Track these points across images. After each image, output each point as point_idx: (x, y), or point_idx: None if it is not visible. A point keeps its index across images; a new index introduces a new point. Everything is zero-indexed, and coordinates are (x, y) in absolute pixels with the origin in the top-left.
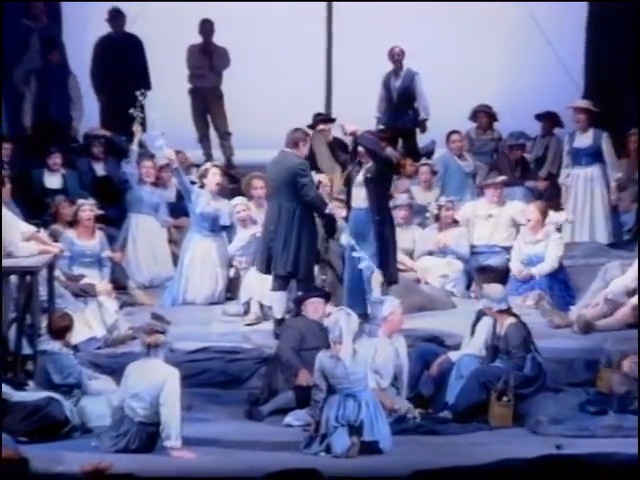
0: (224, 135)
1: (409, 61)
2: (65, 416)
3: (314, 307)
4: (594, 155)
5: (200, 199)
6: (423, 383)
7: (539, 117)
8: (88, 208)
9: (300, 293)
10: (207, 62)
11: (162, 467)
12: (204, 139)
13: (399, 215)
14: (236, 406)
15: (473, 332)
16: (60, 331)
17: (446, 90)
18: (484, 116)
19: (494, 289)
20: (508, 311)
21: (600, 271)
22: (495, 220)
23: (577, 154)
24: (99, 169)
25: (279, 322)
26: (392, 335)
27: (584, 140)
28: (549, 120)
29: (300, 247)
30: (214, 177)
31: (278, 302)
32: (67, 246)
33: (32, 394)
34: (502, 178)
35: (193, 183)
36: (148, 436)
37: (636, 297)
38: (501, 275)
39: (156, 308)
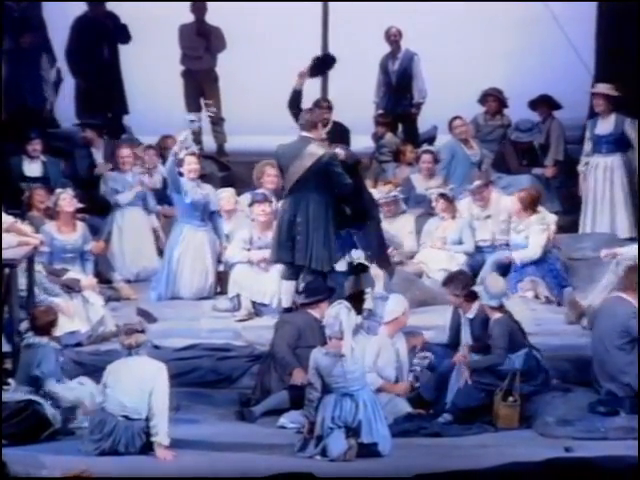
0: (217, 121)
1: (411, 43)
2: (46, 419)
3: (322, 306)
4: (615, 143)
5: (188, 188)
6: (425, 386)
7: (533, 104)
8: (68, 197)
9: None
10: (203, 43)
11: (150, 471)
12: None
13: (384, 210)
14: (227, 406)
15: (457, 334)
16: (45, 326)
17: (449, 73)
18: (494, 100)
19: (495, 281)
20: (500, 309)
21: (612, 264)
22: (494, 220)
23: (598, 141)
24: (99, 156)
25: (287, 311)
26: (394, 335)
27: (605, 127)
28: (544, 105)
29: (335, 239)
30: (190, 165)
31: (288, 291)
32: (47, 241)
33: (13, 395)
34: (477, 183)
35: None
36: (133, 433)
37: None
38: (471, 278)
39: (142, 303)
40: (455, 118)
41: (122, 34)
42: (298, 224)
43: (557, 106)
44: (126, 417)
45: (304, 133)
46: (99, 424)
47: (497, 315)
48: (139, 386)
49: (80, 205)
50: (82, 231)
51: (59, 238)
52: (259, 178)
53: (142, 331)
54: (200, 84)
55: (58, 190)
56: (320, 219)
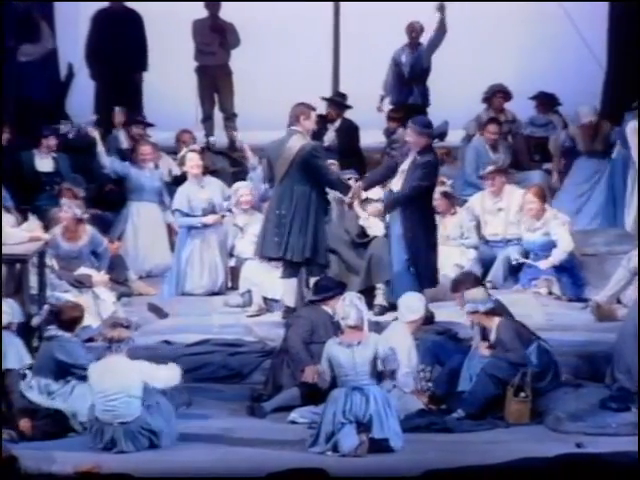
0: (230, 116)
1: (422, 38)
2: (71, 429)
3: (334, 301)
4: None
5: (191, 202)
6: (436, 381)
7: (535, 99)
8: (66, 208)
9: (313, 279)
10: (217, 39)
11: (161, 466)
12: (208, 120)
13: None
14: (238, 402)
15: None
16: (71, 322)
17: (461, 68)
18: (502, 97)
19: (476, 292)
20: (494, 312)
21: (623, 259)
22: (506, 214)
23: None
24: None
25: (292, 311)
26: (416, 333)
27: None
28: (543, 102)
29: (317, 232)
30: (192, 162)
31: (290, 290)
32: (53, 244)
33: (40, 398)
34: (491, 168)
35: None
36: (134, 432)
37: None
38: (477, 278)
39: (153, 298)
40: (491, 121)
41: (139, 34)
42: (283, 217)
43: (556, 102)
44: (121, 422)
45: (291, 127)
46: (97, 433)
47: (497, 320)
48: (126, 393)
49: (82, 215)
50: (89, 238)
51: (63, 245)
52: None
53: (127, 327)
54: (215, 80)
55: (63, 200)
56: (302, 210)
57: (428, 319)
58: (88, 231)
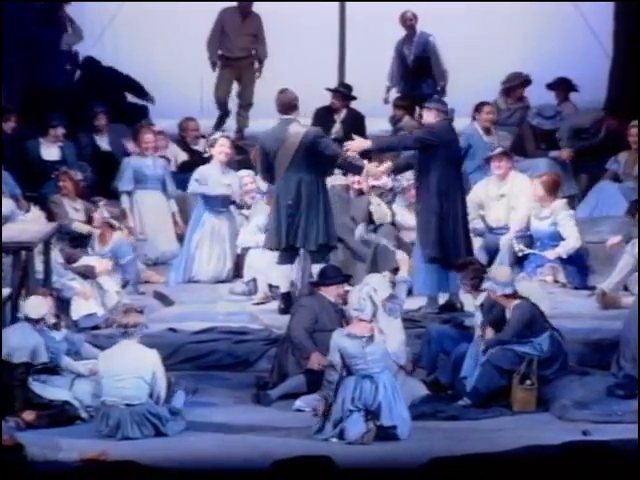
0: (246, 105)
1: (428, 26)
2: (79, 418)
3: (337, 290)
4: None
5: (210, 180)
6: (441, 370)
7: (551, 86)
8: (100, 211)
9: (316, 267)
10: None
11: (167, 453)
12: (223, 108)
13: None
14: (243, 390)
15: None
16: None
17: (467, 56)
18: (522, 85)
19: (501, 271)
20: (514, 295)
21: (628, 246)
22: (508, 200)
23: None
24: (103, 143)
25: (285, 296)
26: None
27: None
28: (561, 87)
29: (327, 217)
30: (222, 147)
31: (284, 276)
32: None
33: (49, 389)
34: (499, 150)
35: (200, 154)
36: (139, 415)
37: None
38: (482, 266)
39: (159, 286)
40: (484, 104)
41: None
42: (289, 207)
43: (574, 88)
44: (127, 404)
45: (283, 116)
46: (103, 417)
47: (516, 301)
48: (136, 374)
49: (114, 223)
50: (112, 245)
51: (95, 246)
52: (256, 161)
53: (140, 312)
54: (239, 69)
55: (100, 202)
56: (312, 198)
57: (453, 306)
58: (115, 239)
